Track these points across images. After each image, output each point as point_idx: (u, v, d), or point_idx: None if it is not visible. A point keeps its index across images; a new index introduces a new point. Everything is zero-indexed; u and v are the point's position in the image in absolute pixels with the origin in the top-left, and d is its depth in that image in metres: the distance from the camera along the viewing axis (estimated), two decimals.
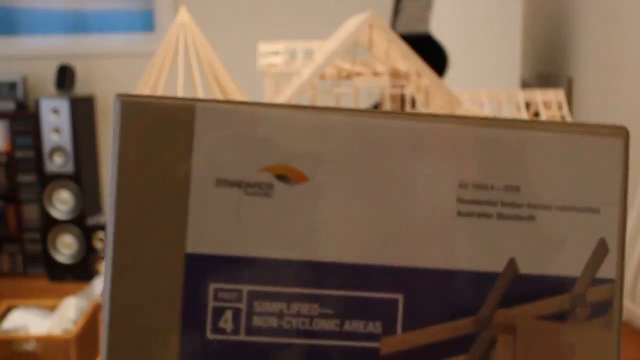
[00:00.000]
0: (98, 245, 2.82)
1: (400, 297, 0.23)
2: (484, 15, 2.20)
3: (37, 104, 2.74)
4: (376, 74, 0.73)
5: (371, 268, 0.23)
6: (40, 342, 1.67)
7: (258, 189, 0.22)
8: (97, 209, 2.98)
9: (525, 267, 0.23)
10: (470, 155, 0.23)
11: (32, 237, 2.92)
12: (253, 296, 0.22)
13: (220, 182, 0.22)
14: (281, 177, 0.22)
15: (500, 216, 0.23)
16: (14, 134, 2.85)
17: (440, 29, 2.20)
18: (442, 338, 0.23)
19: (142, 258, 0.22)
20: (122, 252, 0.22)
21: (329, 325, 0.23)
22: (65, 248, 2.85)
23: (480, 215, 0.23)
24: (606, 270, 0.23)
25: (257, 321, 0.23)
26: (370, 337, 0.23)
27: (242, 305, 0.22)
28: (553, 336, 0.23)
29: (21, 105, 2.89)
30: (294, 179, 0.23)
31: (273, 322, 0.23)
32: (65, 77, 2.86)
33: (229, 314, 0.22)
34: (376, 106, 1.94)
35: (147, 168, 0.22)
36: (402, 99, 0.93)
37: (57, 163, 2.79)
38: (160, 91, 1.03)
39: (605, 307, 0.23)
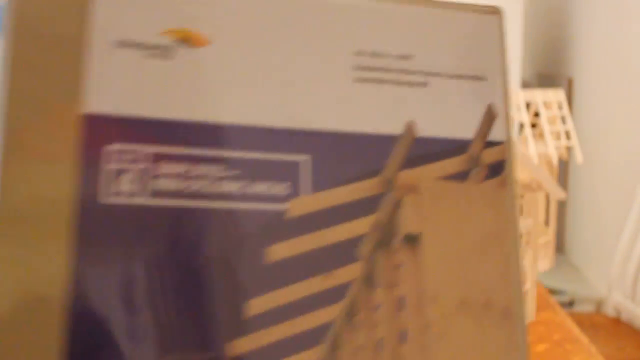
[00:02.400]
0: None
1: (305, 159, 0.23)
2: None
3: None
4: None
5: (276, 130, 0.23)
6: None
7: (158, 51, 0.22)
8: None
9: (423, 130, 0.24)
10: (364, 26, 0.24)
11: None
12: (154, 157, 0.21)
13: (120, 44, 0.22)
14: (182, 41, 0.22)
15: (395, 82, 0.24)
16: None
17: None
18: (350, 199, 0.23)
19: (36, 119, 0.21)
20: (16, 115, 0.21)
21: (234, 187, 0.22)
22: None
23: (376, 81, 0.24)
24: (497, 133, 0.25)
25: (158, 184, 0.21)
26: (276, 198, 0.22)
27: (142, 167, 0.21)
28: (454, 194, 0.24)
29: None
30: (195, 43, 0.22)
31: (176, 184, 0.22)
32: None
33: (127, 176, 0.21)
34: None
35: (44, 29, 0.21)
36: None
37: None
38: None
39: (500, 167, 0.25)
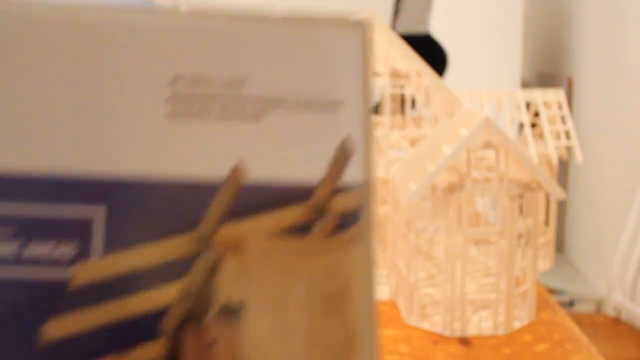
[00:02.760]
0: None
1: (99, 212, 0.19)
2: (484, 15, 2.20)
3: None
4: (376, 74, 0.73)
5: (60, 177, 0.19)
6: None
7: None
8: None
9: (255, 173, 0.20)
10: (185, 47, 0.20)
11: None
12: None
13: None
14: None
15: (222, 115, 0.20)
16: None
17: (440, 29, 2.20)
18: (153, 261, 0.19)
19: None
20: None
21: (5, 250, 0.18)
22: None
23: (196, 115, 0.20)
24: (352, 174, 0.20)
25: None
26: (59, 262, 0.18)
27: None
28: (290, 253, 0.20)
29: None
30: None
31: None
32: None
33: None
34: (376, 106, 1.94)
35: None
36: (402, 99, 0.93)
37: None
38: None
39: (353, 217, 0.20)
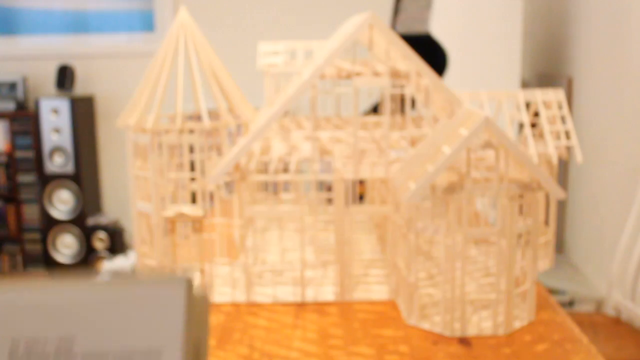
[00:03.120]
0: (98, 245, 2.81)
1: None
2: (484, 15, 2.20)
3: (37, 104, 2.74)
4: (376, 74, 0.73)
5: None
6: None
7: None
8: (97, 209, 2.98)
9: None
10: (23, 314, 0.23)
11: (32, 237, 2.91)
12: None
13: None
14: None
15: None
16: (14, 134, 2.85)
17: (440, 29, 2.19)
18: None
19: None
20: None
21: None
22: (65, 248, 2.84)
23: None
24: None
25: None
26: None
27: None
28: None
29: (21, 105, 2.89)
30: None
31: None
32: (65, 77, 2.86)
33: None
34: (376, 106, 1.94)
35: None
36: (402, 99, 0.93)
37: (57, 163, 2.79)
38: (160, 91, 1.04)
39: None
